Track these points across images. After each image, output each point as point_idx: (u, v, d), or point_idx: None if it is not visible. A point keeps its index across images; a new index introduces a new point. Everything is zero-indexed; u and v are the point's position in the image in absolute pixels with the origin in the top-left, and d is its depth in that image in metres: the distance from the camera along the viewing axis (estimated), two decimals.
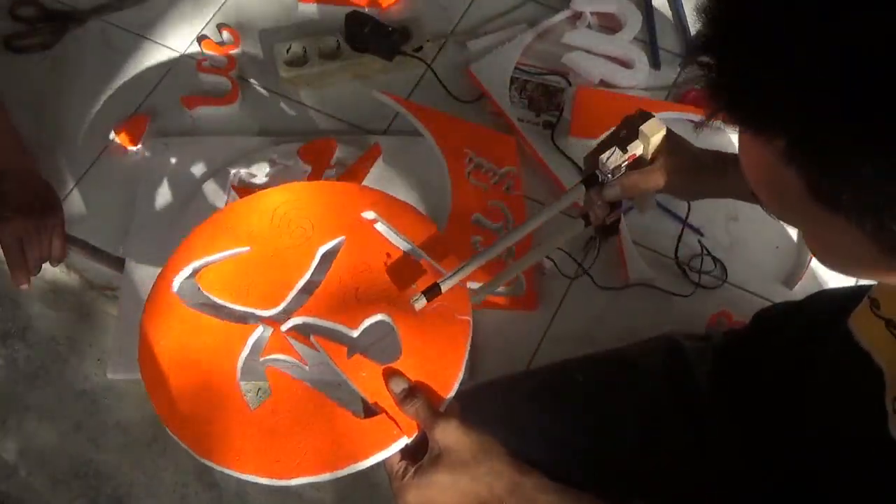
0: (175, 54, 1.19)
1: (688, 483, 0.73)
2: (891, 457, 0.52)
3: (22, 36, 1.18)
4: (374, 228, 0.77)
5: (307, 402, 0.68)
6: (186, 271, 0.76)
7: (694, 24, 1.19)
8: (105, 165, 1.09)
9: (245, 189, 1.03)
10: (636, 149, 0.72)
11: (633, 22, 1.20)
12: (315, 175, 1.04)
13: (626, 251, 1.00)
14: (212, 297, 0.74)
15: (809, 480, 0.63)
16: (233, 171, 1.05)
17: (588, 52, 1.17)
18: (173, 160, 1.07)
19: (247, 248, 0.76)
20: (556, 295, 1.00)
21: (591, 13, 1.21)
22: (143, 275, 1.00)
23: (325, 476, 0.65)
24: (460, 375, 0.69)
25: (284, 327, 0.73)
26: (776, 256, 1.03)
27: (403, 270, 0.75)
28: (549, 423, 0.78)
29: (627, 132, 0.72)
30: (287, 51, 1.15)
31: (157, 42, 1.20)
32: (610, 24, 1.22)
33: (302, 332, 0.74)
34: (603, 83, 1.16)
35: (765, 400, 0.70)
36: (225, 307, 0.74)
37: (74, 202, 1.07)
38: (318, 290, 0.74)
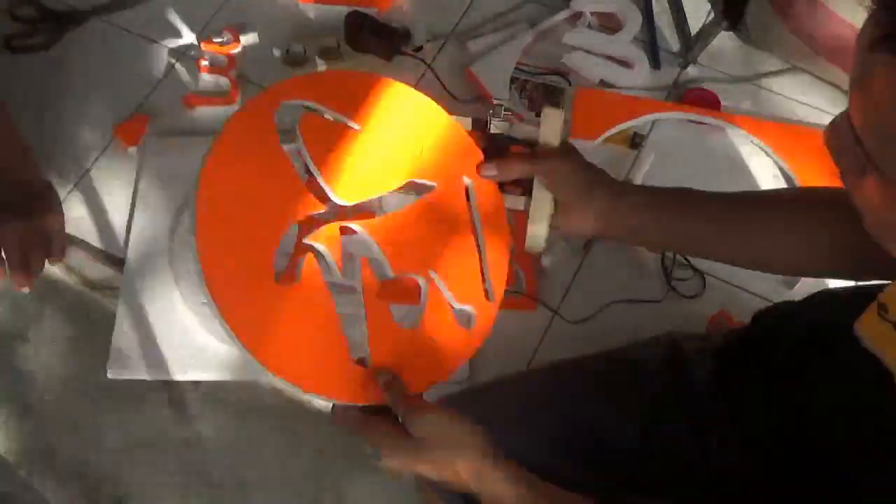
0: (175, 54, 1.19)
1: (688, 483, 0.73)
2: None
3: (22, 36, 1.18)
4: (464, 199, 0.73)
5: (322, 316, 0.65)
6: (295, 103, 0.69)
7: (701, 44, 1.19)
8: (105, 165, 1.09)
9: None
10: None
11: (634, 22, 1.20)
12: None
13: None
14: (306, 146, 0.68)
15: (811, 481, 0.63)
16: None
17: (588, 52, 1.17)
18: (173, 160, 1.07)
19: (357, 126, 0.71)
20: (555, 295, 1.00)
21: (591, 13, 1.22)
22: (143, 275, 1.00)
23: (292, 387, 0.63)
24: (459, 372, 0.68)
25: (344, 225, 0.69)
26: None
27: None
28: (549, 423, 0.78)
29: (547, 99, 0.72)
30: (287, 51, 1.15)
31: (157, 42, 1.20)
32: (610, 24, 1.22)
33: (356, 243, 0.69)
34: (603, 83, 1.16)
35: (765, 400, 0.70)
36: (308, 167, 0.69)
37: (74, 202, 1.07)
38: (389, 216, 0.70)
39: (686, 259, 1.02)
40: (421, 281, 0.69)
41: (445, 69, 1.16)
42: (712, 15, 1.24)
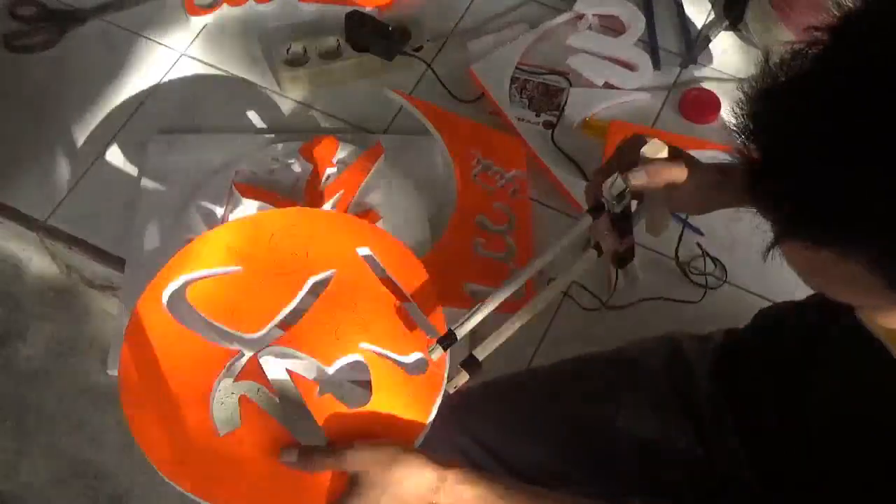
0: (175, 54, 1.19)
1: (689, 483, 0.73)
2: None
3: (22, 36, 1.18)
4: (367, 266, 0.76)
5: (273, 438, 0.66)
6: (177, 283, 0.75)
7: (701, 44, 1.19)
8: (105, 165, 1.09)
9: (246, 188, 1.03)
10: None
11: (637, 24, 1.20)
12: (316, 174, 1.04)
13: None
14: (198, 311, 0.73)
15: (812, 480, 0.63)
16: (234, 170, 1.05)
17: (592, 54, 1.17)
18: (174, 159, 1.07)
19: (239, 268, 0.75)
20: (555, 297, 1.00)
21: (594, 15, 1.21)
22: (143, 275, 1.00)
23: None
24: (424, 432, 0.68)
25: (262, 354, 0.71)
26: (778, 256, 1.03)
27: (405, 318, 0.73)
28: (549, 423, 0.78)
29: (628, 155, 0.70)
30: (287, 51, 1.15)
31: (157, 42, 1.20)
32: (612, 26, 1.22)
33: (278, 360, 0.72)
34: (607, 86, 1.16)
35: (766, 399, 0.70)
36: (209, 324, 0.73)
37: (74, 202, 1.07)
38: (301, 321, 0.72)
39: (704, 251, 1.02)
40: (356, 357, 0.70)
41: (445, 69, 1.16)
42: (712, 15, 1.25)
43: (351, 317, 0.72)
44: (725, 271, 1.02)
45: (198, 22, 1.21)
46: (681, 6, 1.25)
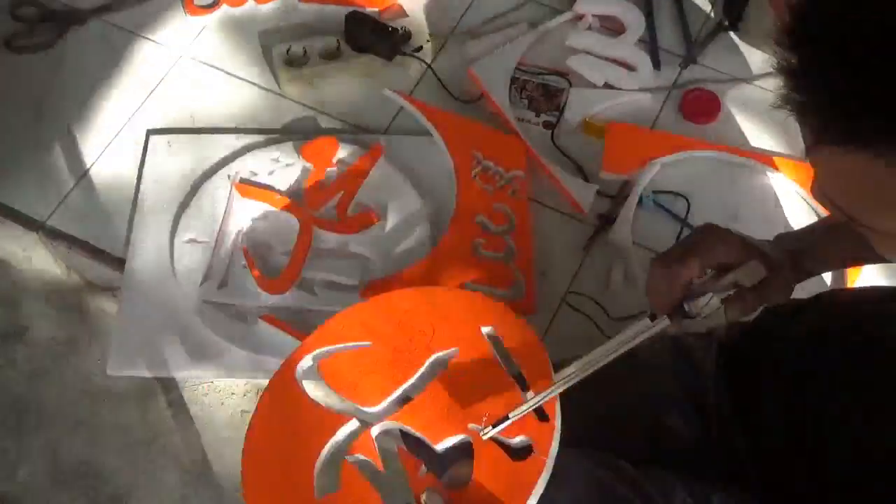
0: (175, 54, 1.19)
1: (692, 478, 0.73)
2: None
3: (22, 36, 1.18)
4: (489, 345, 0.75)
5: None
6: (308, 360, 0.77)
7: (701, 44, 1.19)
8: (105, 165, 1.09)
9: (246, 188, 1.03)
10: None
11: (637, 25, 1.19)
12: (316, 173, 1.04)
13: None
14: (325, 384, 0.75)
15: (815, 474, 0.63)
16: (234, 170, 1.05)
17: (592, 54, 1.17)
18: (174, 159, 1.07)
19: (368, 343, 0.76)
20: (555, 297, 1.00)
21: (594, 15, 1.21)
22: (143, 275, 1.00)
23: None
24: None
25: (375, 429, 0.72)
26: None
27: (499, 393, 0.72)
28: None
29: (707, 255, 0.67)
30: (287, 51, 1.15)
31: (157, 42, 1.20)
32: (612, 26, 1.22)
33: (391, 437, 0.72)
34: (607, 86, 1.15)
35: (769, 395, 0.70)
36: (332, 395, 0.75)
37: (74, 202, 1.07)
38: (418, 398, 0.73)
39: None
40: (463, 438, 0.70)
41: (445, 69, 1.16)
42: (712, 15, 1.25)
43: (466, 394, 0.72)
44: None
45: (198, 22, 1.21)
46: (681, 6, 1.25)
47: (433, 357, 0.75)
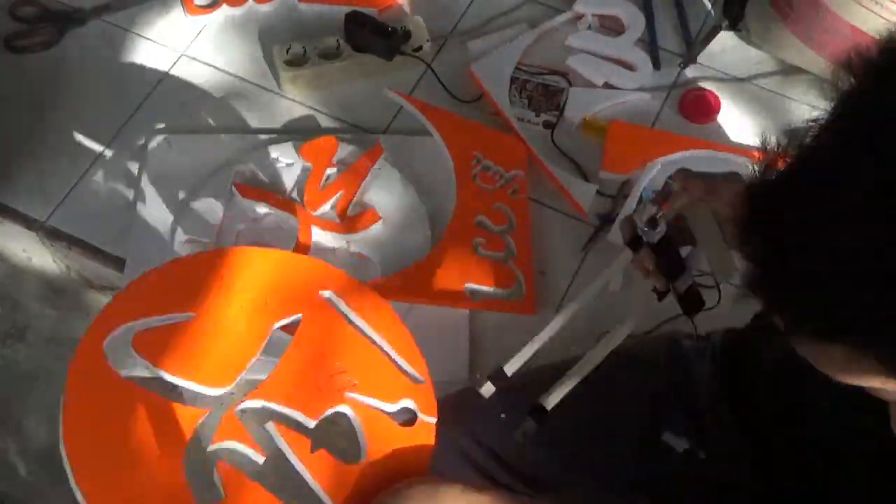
0: (175, 54, 1.19)
1: (688, 481, 0.73)
2: None
3: (22, 36, 1.18)
4: (334, 310, 0.70)
5: None
6: (121, 332, 0.66)
7: (701, 44, 1.18)
8: (105, 165, 1.09)
9: (246, 188, 1.03)
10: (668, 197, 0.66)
11: (637, 25, 1.20)
12: (316, 174, 1.04)
13: None
14: (153, 367, 0.64)
15: (811, 478, 0.63)
16: (234, 170, 1.05)
17: (591, 54, 1.17)
18: (174, 159, 1.07)
19: (189, 315, 0.67)
20: (555, 298, 1.00)
21: (594, 15, 1.21)
22: None
23: None
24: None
25: (238, 409, 0.64)
26: None
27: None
28: (551, 425, 0.78)
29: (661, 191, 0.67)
30: (287, 51, 1.15)
31: (157, 42, 1.20)
32: (611, 26, 1.22)
33: (258, 417, 0.64)
34: (607, 86, 1.16)
35: (765, 398, 0.70)
36: (167, 382, 0.65)
37: (74, 202, 1.07)
38: (275, 372, 0.66)
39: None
40: (344, 409, 0.66)
41: (445, 69, 1.16)
42: (712, 15, 1.24)
43: (327, 364, 0.67)
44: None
45: (198, 22, 1.21)
46: (681, 6, 1.25)
47: (276, 325, 0.68)
